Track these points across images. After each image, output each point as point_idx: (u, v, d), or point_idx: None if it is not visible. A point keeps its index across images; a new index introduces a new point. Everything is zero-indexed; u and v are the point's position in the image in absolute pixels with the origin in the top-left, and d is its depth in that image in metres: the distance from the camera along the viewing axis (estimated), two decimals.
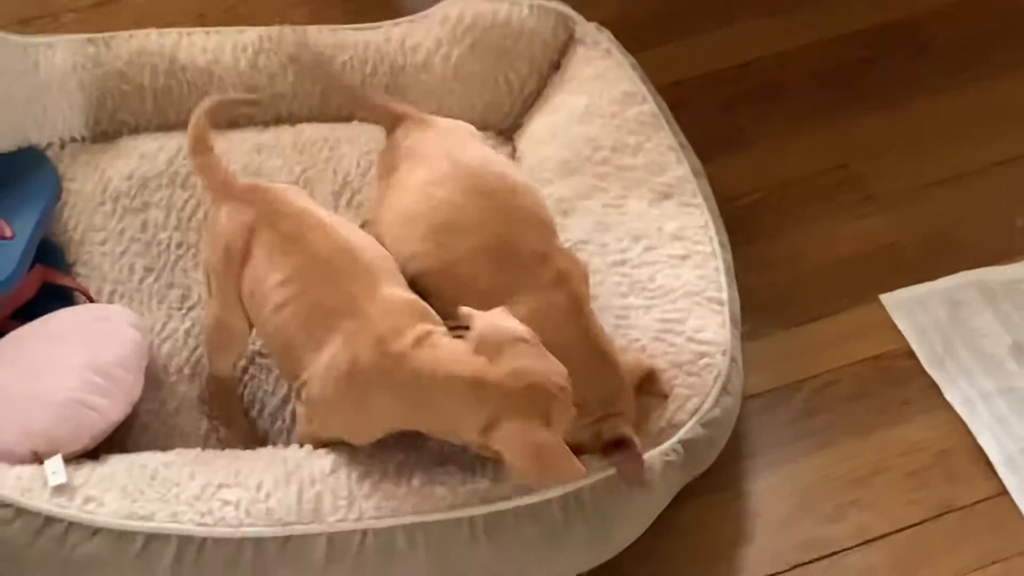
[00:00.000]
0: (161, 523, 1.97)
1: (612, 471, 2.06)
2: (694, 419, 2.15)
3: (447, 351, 1.93)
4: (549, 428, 1.90)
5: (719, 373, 2.20)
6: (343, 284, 2.01)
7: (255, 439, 2.20)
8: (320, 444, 2.07)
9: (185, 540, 1.96)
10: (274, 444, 2.17)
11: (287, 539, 1.97)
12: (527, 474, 1.91)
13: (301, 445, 2.08)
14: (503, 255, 2.10)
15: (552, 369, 1.92)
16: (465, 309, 1.97)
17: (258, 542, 1.97)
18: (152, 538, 1.96)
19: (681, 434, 2.13)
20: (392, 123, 2.28)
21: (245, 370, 2.26)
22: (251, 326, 2.13)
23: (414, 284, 2.10)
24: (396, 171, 2.21)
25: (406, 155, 2.22)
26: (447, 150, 2.20)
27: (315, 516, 1.98)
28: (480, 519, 2.00)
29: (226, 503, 1.99)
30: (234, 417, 2.22)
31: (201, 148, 2.15)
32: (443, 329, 1.98)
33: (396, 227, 2.16)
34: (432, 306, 2.03)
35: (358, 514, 1.98)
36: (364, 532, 1.98)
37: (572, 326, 2.07)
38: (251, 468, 2.04)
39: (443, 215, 2.13)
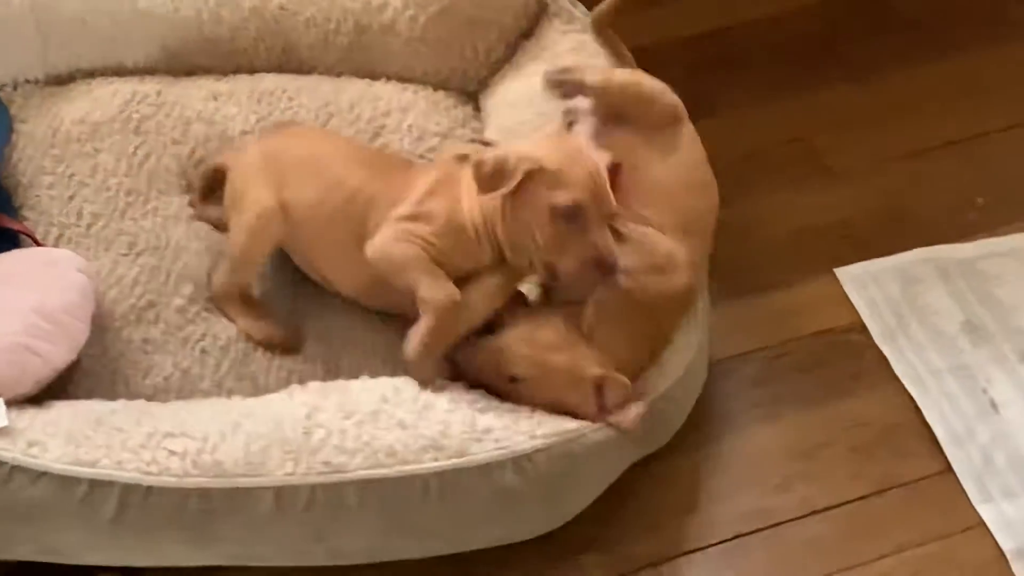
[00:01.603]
0: (105, 469, 1.95)
1: (567, 438, 2.05)
2: (653, 395, 2.14)
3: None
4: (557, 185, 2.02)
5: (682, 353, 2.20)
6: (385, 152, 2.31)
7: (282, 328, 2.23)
8: (419, 263, 2.10)
9: (130, 488, 1.95)
10: (218, 392, 2.17)
11: (233, 491, 1.96)
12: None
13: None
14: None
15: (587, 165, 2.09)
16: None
17: (204, 492, 1.96)
18: (96, 484, 1.95)
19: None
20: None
21: (197, 314, 2.25)
22: None
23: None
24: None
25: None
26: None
27: (262, 469, 1.97)
28: (433, 477, 1.99)
29: (172, 453, 1.97)
30: (257, 314, 2.24)
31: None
32: None
33: (679, 190, 2.22)
34: None
35: (306, 468, 1.97)
36: (312, 487, 1.97)
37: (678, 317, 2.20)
38: (197, 419, 2.03)
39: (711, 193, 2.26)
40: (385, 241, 2.12)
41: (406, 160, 2.33)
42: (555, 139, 2.17)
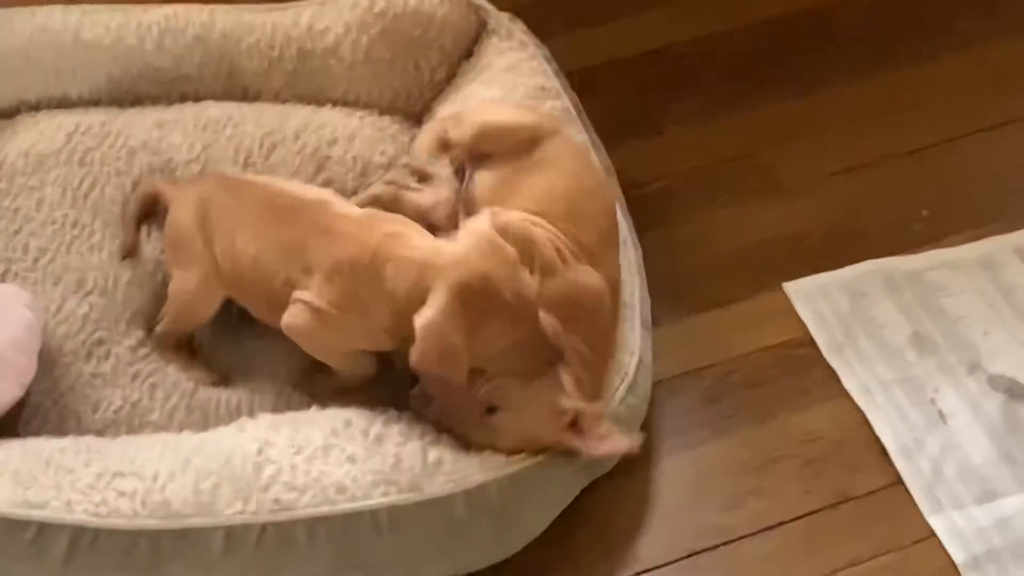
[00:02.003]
0: (55, 512, 1.95)
1: (519, 467, 2.06)
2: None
3: (408, 241, 2.04)
4: (473, 337, 1.94)
5: (625, 374, 2.20)
6: (300, 216, 2.14)
7: (211, 371, 2.25)
8: (327, 350, 2.15)
9: (79, 530, 1.94)
10: (168, 423, 2.18)
11: (183, 531, 1.96)
12: (423, 368, 1.97)
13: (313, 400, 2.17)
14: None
15: (510, 286, 1.97)
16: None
17: (154, 534, 1.95)
18: (45, 527, 1.94)
19: None
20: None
21: (149, 354, 2.26)
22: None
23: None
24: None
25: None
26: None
27: (212, 508, 1.97)
28: (383, 512, 1.99)
29: (121, 494, 1.97)
30: (187, 360, 2.25)
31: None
32: (414, 230, 2.10)
33: (568, 203, 2.25)
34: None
35: (256, 507, 1.97)
36: (263, 526, 1.97)
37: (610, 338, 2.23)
38: (147, 456, 2.02)
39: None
40: (295, 323, 2.12)
41: (326, 210, 2.18)
42: (480, 247, 2.01)
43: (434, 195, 2.26)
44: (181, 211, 2.25)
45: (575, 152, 2.33)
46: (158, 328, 2.26)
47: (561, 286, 2.11)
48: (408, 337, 1.98)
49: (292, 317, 2.12)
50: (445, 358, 1.96)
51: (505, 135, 2.30)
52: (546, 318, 2.03)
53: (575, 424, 2.06)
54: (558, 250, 2.15)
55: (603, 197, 2.30)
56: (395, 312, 2.02)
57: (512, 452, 2.07)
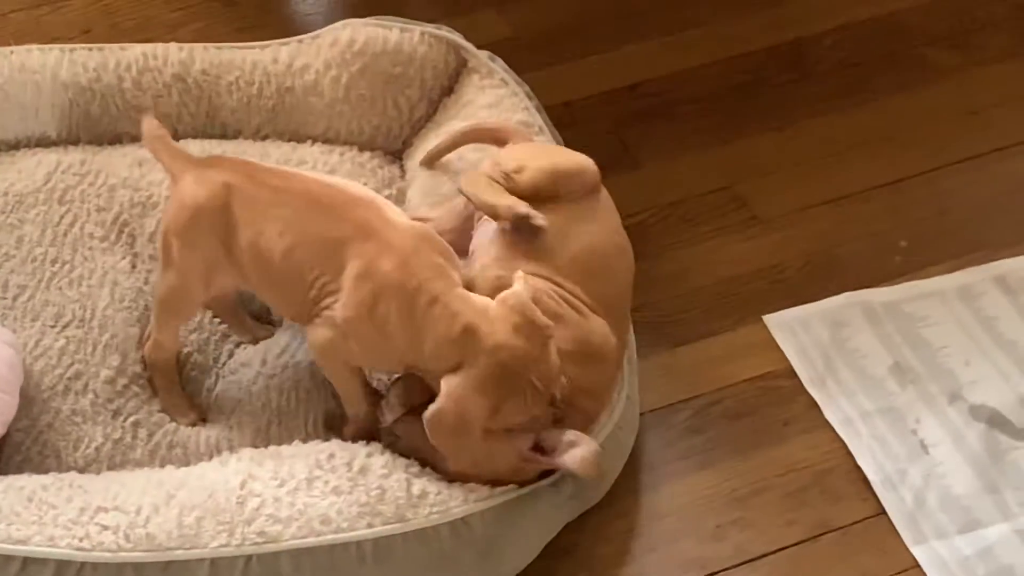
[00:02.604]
0: (38, 547, 1.94)
1: (504, 499, 2.06)
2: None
3: (456, 289, 2.01)
4: (493, 415, 1.95)
5: (612, 409, 2.20)
6: (347, 214, 2.07)
7: (192, 408, 2.24)
8: (342, 375, 2.13)
9: (63, 564, 1.94)
10: (150, 461, 2.18)
11: (168, 564, 1.95)
12: (434, 429, 1.96)
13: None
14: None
15: (540, 369, 1.97)
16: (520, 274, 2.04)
17: (137, 566, 1.95)
18: (30, 562, 1.94)
19: None
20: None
21: (127, 387, 2.25)
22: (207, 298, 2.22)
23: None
24: None
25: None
26: None
27: (196, 541, 1.96)
28: (368, 543, 1.99)
29: (104, 528, 1.96)
30: (172, 386, 2.25)
31: (158, 133, 2.23)
32: (454, 264, 2.06)
33: (604, 257, 2.22)
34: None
35: (241, 539, 1.97)
36: (248, 557, 1.97)
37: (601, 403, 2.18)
38: (129, 491, 2.02)
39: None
40: (318, 345, 2.10)
41: (373, 212, 2.09)
42: (523, 328, 1.98)
43: (435, 226, 2.21)
44: (196, 190, 2.13)
45: (613, 207, 2.28)
46: (148, 343, 2.25)
47: (575, 335, 2.08)
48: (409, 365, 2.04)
49: (317, 329, 2.08)
50: (459, 429, 1.97)
51: (572, 179, 2.24)
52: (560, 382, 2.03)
53: (538, 447, 2.05)
54: (568, 302, 2.12)
55: (628, 256, 2.26)
56: (411, 344, 2.01)
57: (481, 481, 2.06)
